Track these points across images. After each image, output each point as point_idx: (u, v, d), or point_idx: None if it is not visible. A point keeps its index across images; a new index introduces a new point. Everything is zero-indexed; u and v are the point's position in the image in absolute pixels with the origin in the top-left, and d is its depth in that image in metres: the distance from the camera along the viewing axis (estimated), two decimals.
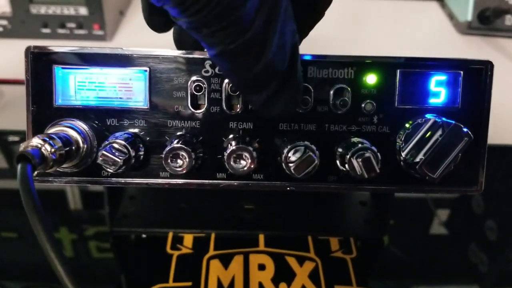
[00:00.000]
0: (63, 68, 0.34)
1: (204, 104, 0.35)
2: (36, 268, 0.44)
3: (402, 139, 0.34)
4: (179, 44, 0.35)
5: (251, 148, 0.33)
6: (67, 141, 0.32)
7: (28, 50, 0.34)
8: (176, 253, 0.45)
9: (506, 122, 0.65)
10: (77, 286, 0.24)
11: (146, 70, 0.34)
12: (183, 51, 0.34)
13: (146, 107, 0.35)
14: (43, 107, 0.34)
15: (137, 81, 0.34)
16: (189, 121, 0.35)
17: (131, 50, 0.34)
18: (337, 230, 0.49)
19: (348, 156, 0.32)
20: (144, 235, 0.48)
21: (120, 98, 0.35)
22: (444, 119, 0.33)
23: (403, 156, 0.34)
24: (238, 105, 0.35)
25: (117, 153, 0.32)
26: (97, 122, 0.35)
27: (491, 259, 0.47)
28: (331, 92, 0.34)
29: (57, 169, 0.34)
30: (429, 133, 0.33)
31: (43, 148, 0.30)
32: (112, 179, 0.35)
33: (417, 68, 0.34)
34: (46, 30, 0.79)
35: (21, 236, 0.49)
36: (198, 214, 0.50)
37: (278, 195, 0.51)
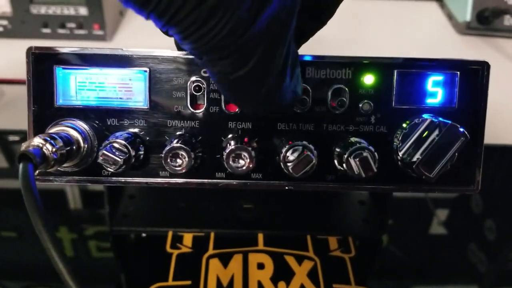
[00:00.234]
0: (64, 68, 0.34)
1: (204, 104, 0.35)
2: (36, 268, 0.45)
3: (399, 138, 0.34)
4: (179, 46, 0.36)
5: (249, 148, 0.33)
6: (68, 140, 0.33)
7: (29, 51, 0.34)
8: (175, 252, 0.45)
9: (505, 122, 0.65)
10: (79, 285, 0.24)
11: (146, 71, 0.34)
12: (183, 52, 0.34)
13: (146, 107, 0.35)
14: (44, 107, 0.35)
15: (137, 81, 0.35)
16: (188, 121, 0.35)
17: (131, 50, 0.34)
18: (336, 230, 0.49)
19: (345, 156, 0.33)
20: (143, 234, 0.48)
21: (120, 98, 0.35)
22: (441, 119, 0.33)
23: (400, 155, 0.34)
24: None
25: (117, 153, 0.32)
26: (97, 122, 0.35)
27: (490, 259, 0.47)
28: (329, 92, 0.35)
29: (58, 168, 0.34)
30: (426, 133, 0.33)
31: (44, 147, 0.30)
32: (112, 178, 0.36)
33: (414, 69, 0.35)
34: (46, 30, 0.79)
35: (21, 236, 0.49)
36: (197, 213, 0.50)
37: (277, 194, 0.51)
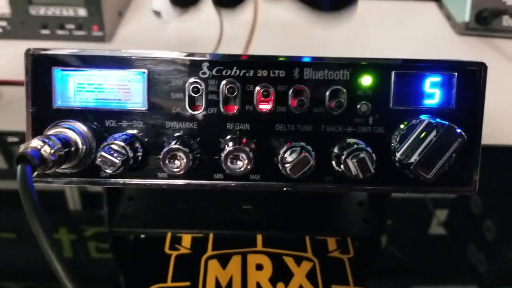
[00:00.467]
0: (62, 70, 0.34)
1: (202, 105, 0.35)
2: (36, 268, 0.45)
3: (397, 139, 0.34)
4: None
5: (247, 149, 0.33)
6: (66, 142, 0.33)
7: (27, 52, 0.34)
8: (174, 253, 0.45)
9: (504, 122, 0.65)
10: (76, 286, 0.24)
11: (144, 72, 0.34)
12: (182, 53, 0.34)
13: (144, 109, 0.35)
14: (43, 109, 0.35)
15: (136, 82, 0.35)
16: (186, 122, 0.35)
17: (129, 52, 0.34)
18: (334, 230, 0.49)
19: (343, 157, 0.33)
20: (142, 236, 0.48)
21: (119, 99, 0.35)
22: (438, 120, 0.33)
23: (398, 156, 0.34)
24: (235, 106, 0.35)
25: (115, 154, 0.33)
26: (96, 123, 0.35)
27: (489, 259, 0.47)
28: (327, 93, 0.35)
29: (56, 170, 0.34)
30: (423, 134, 0.33)
31: (43, 149, 0.30)
32: (111, 179, 0.36)
33: (412, 70, 0.35)
34: (45, 31, 0.79)
35: (20, 237, 0.49)
36: (196, 214, 0.50)
37: (276, 195, 0.51)
